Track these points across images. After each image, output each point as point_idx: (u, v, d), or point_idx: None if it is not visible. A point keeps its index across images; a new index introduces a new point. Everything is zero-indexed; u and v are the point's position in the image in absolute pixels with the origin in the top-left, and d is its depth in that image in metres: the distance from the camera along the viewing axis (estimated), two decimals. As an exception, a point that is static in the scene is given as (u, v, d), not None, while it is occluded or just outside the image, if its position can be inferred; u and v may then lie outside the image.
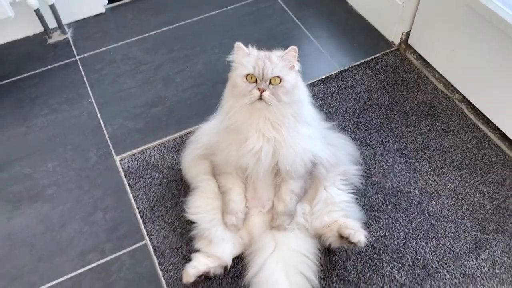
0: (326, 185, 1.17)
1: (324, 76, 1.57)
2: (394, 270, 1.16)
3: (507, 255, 1.17)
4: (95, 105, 1.50)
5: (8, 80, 1.58)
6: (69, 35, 1.72)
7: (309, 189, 1.17)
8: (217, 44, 1.69)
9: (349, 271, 1.15)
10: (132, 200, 1.28)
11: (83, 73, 1.60)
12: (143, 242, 1.21)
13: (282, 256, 1.10)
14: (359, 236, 1.07)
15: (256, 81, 1.00)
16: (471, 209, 1.26)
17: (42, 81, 1.57)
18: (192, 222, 1.19)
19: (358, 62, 1.62)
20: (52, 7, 1.62)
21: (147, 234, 1.22)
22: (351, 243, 1.08)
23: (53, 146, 1.40)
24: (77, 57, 1.65)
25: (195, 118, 1.45)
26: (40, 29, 1.71)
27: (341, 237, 1.10)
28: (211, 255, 1.12)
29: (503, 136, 1.39)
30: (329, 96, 1.52)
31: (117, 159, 1.37)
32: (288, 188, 1.12)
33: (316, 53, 1.65)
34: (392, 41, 1.68)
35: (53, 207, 1.27)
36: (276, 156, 1.06)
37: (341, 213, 1.14)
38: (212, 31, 1.74)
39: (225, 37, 1.71)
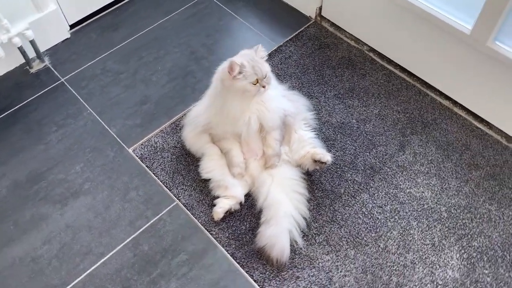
0: (295, 129, 1.64)
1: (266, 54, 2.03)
2: (353, 175, 1.67)
3: (421, 147, 1.74)
4: (94, 114, 1.83)
5: (9, 111, 1.84)
6: (47, 62, 1.99)
7: (285, 134, 1.63)
8: (176, 45, 2.06)
9: (324, 183, 1.65)
10: (154, 177, 1.66)
11: (73, 91, 1.90)
12: (175, 203, 1.60)
13: (279, 183, 1.56)
14: (327, 156, 1.57)
15: (257, 81, 1.44)
16: (393, 123, 1.81)
17: (39, 105, 1.86)
18: (206, 180, 1.62)
19: (289, 38, 2.09)
20: (32, 42, 1.89)
21: (175, 197, 1.61)
22: (323, 163, 1.57)
23: (74, 153, 1.72)
24: (62, 79, 1.94)
25: (180, 105, 1.85)
26: (21, 61, 1.96)
27: (314, 161, 1.59)
28: (229, 196, 1.56)
29: (402, 69, 1.95)
30: (275, 68, 1.98)
31: (130, 150, 1.73)
32: (272, 137, 1.58)
33: (256, 37, 2.09)
34: (309, 16, 2.17)
35: (94, 197, 1.62)
36: (261, 119, 1.52)
37: (310, 146, 1.63)
38: (168, 35, 2.10)
39: (181, 38, 2.08)
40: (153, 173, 1.68)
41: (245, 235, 1.53)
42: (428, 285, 1.44)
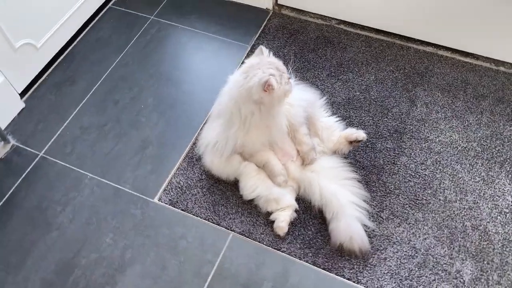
0: (317, 118, 1.60)
1: (244, 58, 1.94)
2: (383, 143, 1.67)
3: (428, 96, 1.78)
4: (98, 178, 1.62)
5: (0, 204, 1.57)
6: (13, 141, 1.72)
7: (310, 127, 1.58)
8: (147, 77, 1.90)
9: (361, 161, 1.62)
10: (195, 217, 1.52)
11: (60, 162, 1.67)
12: (230, 235, 1.48)
13: (326, 176, 1.51)
14: (361, 134, 1.55)
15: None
16: (393, 83, 1.83)
17: (29, 190, 1.60)
18: (250, 201, 1.51)
19: (257, 35, 2.02)
20: (-6, 126, 1.62)
21: (228, 229, 1.49)
22: (359, 141, 1.55)
23: (95, 226, 1.52)
24: (40, 153, 1.69)
25: (183, 137, 1.71)
26: (-16, 151, 1.68)
27: (350, 142, 1.56)
28: (284, 207, 1.47)
29: (377, 31, 1.98)
30: (259, 67, 1.91)
31: (156, 200, 1.56)
32: (301, 133, 1.51)
33: (224, 44, 2.00)
34: (266, 8, 2.12)
35: (143, 263, 1.43)
36: (289, 118, 1.45)
37: (339, 130, 1.59)
38: (133, 70, 1.93)
39: (148, 69, 1.92)
40: (193, 214, 1.53)
41: (315, 239, 1.46)
42: (498, 217, 1.49)
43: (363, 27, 2.00)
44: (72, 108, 1.82)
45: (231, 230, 1.49)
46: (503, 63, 1.84)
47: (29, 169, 1.66)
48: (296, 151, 1.53)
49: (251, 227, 1.50)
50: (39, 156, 1.69)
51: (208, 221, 1.52)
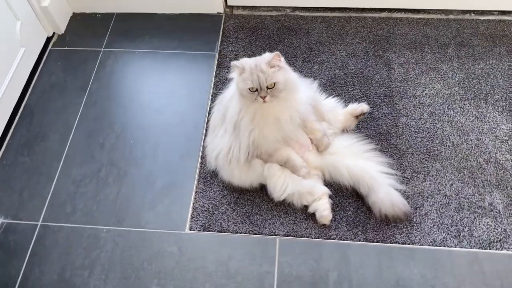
0: (319, 103, 1.60)
1: (216, 66, 1.89)
2: (379, 110, 1.72)
3: (400, 57, 1.88)
4: (115, 228, 1.48)
5: (10, 297, 1.38)
6: (1, 220, 1.52)
7: (315, 113, 1.58)
8: (123, 110, 1.77)
9: (366, 132, 1.66)
10: (235, 234, 1.46)
11: (65, 224, 1.50)
12: (277, 240, 1.44)
13: (346, 155, 1.53)
14: (364, 106, 1.60)
15: (256, 90, 1.33)
16: (364, 54, 1.90)
17: (42, 264, 1.42)
18: (282, 201, 1.49)
19: (219, 41, 1.98)
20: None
21: (273, 235, 1.45)
22: (364, 113, 1.60)
23: (134, 279, 1.38)
24: (39, 222, 1.51)
25: (188, 159, 1.63)
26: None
27: (356, 117, 1.60)
28: (320, 196, 1.47)
29: (330, 9, 2.05)
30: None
31: (187, 231, 1.47)
32: (311, 122, 1.51)
33: (190, 57, 1.93)
34: (218, 12, 2.08)
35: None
36: (300, 115, 1.45)
37: (341, 108, 1.62)
38: (104, 107, 1.79)
39: (121, 102, 1.80)
40: (231, 232, 1.46)
41: (358, 217, 1.47)
42: (502, 146, 1.61)
43: (317, 9, 2.05)
44: (54, 164, 1.64)
45: (276, 235, 1.46)
46: (451, 11, 1.99)
47: (32, 243, 1.47)
48: (310, 140, 1.54)
49: (294, 225, 1.47)
50: (38, 226, 1.51)
51: (249, 233, 1.46)
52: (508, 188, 1.51)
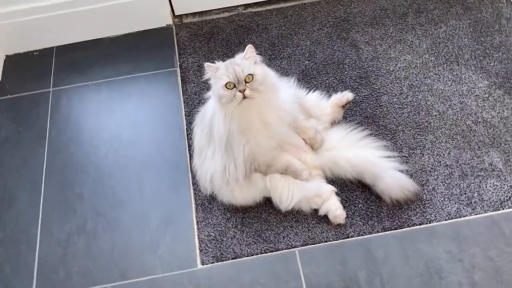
0: (303, 100, 1.52)
1: (180, 82, 1.77)
2: (358, 93, 1.68)
3: (363, 35, 1.85)
4: (120, 283, 1.34)
5: None
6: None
7: (301, 111, 1.51)
8: (94, 151, 1.61)
9: (353, 119, 1.62)
10: (250, 257, 1.36)
11: (62, 293, 1.34)
12: (296, 251, 1.36)
13: (343, 148, 1.47)
14: (348, 94, 1.55)
15: (234, 86, 1.24)
16: (328, 39, 1.85)
17: None
18: (290, 210, 1.42)
19: (177, 54, 1.85)
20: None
21: (290, 247, 1.37)
22: (348, 102, 1.55)
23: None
24: (32, 298, 1.34)
25: (179, 188, 1.51)
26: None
27: (342, 107, 1.55)
28: (328, 196, 1.40)
29: (283, 0, 1.97)
30: (202, 84, 1.75)
31: (200, 266, 1.35)
32: (300, 121, 1.44)
33: (151, 77, 1.79)
34: (167, 24, 1.94)
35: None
36: (288, 114, 1.37)
37: (325, 100, 1.57)
38: (70, 152, 1.62)
39: (88, 142, 1.63)
40: (246, 256, 1.37)
41: (370, 209, 1.42)
42: (484, 104, 1.62)
43: (269, 2, 1.97)
44: (32, 229, 1.46)
45: (293, 247, 1.38)
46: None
47: (30, 323, 1.31)
48: (303, 141, 1.47)
49: (309, 233, 1.40)
50: (31, 302, 1.34)
51: (265, 252, 1.38)
52: (502, 145, 1.53)
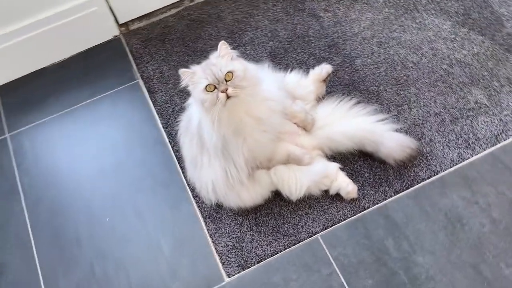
0: (285, 83, 1.46)
1: (147, 94, 1.66)
2: (332, 63, 1.64)
3: (320, 1, 1.80)
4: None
5: None
6: None
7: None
8: (80, 190, 1.49)
9: (333, 89, 1.59)
10: (275, 256, 1.32)
11: None
12: (318, 237, 1.33)
13: (336, 122, 1.43)
14: (326, 67, 1.51)
15: (215, 88, 1.17)
16: (285, 13, 1.79)
17: None
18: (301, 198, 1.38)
19: (135, 65, 1.74)
20: None
21: (312, 234, 1.34)
22: (329, 74, 1.51)
23: None
24: None
25: (179, 204, 1.43)
26: None
27: (324, 81, 1.51)
28: (335, 174, 1.37)
29: None
30: (169, 89, 1.65)
31: (228, 279, 1.30)
32: (290, 106, 1.38)
33: (116, 95, 1.66)
34: (114, 36, 1.80)
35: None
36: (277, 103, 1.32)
37: (304, 78, 1.51)
38: (50, 196, 1.48)
39: (68, 184, 1.50)
40: (270, 256, 1.32)
41: (377, 175, 1.41)
42: (453, 44, 1.63)
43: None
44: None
45: (315, 234, 1.35)
46: None
47: None
48: (295, 125, 1.42)
49: (325, 215, 1.37)
50: None
51: (289, 247, 1.34)
52: (481, 81, 1.55)
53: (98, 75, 1.71)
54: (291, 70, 1.55)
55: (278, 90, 1.35)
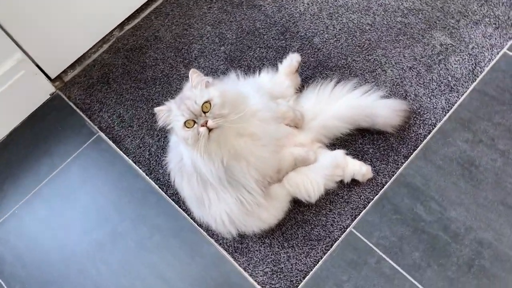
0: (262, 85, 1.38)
1: (113, 144, 1.49)
2: (293, 50, 1.58)
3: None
4: None
5: None
6: None
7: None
8: (67, 272, 1.32)
9: (305, 75, 1.53)
10: (318, 263, 1.27)
11: None
12: (352, 228, 1.29)
13: (324, 108, 1.37)
14: (294, 56, 1.43)
15: (194, 122, 1.09)
16: (224, 13, 1.68)
17: None
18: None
19: (87, 118, 1.54)
20: None
21: (345, 229, 1.29)
22: (299, 63, 1.44)
23: None
24: None
25: (201, 250, 1.32)
26: None
27: (296, 71, 1.43)
28: (344, 164, 1.31)
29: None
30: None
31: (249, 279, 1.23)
32: (277, 109, 1.30)
33: (81, 157, 1.47)
34: (52, 93, 1.59)
35: None
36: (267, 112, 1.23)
37: (278, 76, 1.43)
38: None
39: (55, 280, 1.33)
40: (313, 265, 1.26)
41: (381, 149, 1.37)
42: (399, -5, 1.63)
43: (139, 10, 1.70)
44: None
45: (347, 228, 1.30)
46: None
47: None
48: (287, 126, 1.34)
49: (350, 205, 1.32)
50: None
51: (327, 251, 1.28)
52: (437, 22, 1.55)
53: (51, 141, 1.51)
54: (259, 71, 1.45)
55: (260, 96, 1.26)
